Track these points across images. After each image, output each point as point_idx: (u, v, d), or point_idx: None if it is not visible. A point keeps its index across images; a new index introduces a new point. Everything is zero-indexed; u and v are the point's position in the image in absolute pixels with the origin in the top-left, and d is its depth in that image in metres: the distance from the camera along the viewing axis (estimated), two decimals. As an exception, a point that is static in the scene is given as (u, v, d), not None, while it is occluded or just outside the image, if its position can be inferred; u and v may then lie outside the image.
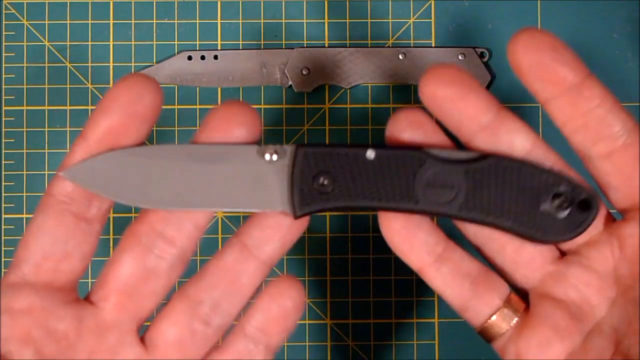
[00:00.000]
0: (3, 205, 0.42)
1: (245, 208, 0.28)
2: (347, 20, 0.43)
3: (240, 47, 0.43)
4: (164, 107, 0.43)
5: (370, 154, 0.28)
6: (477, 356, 0.42)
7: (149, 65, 0.43)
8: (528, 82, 0.27)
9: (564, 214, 0.27)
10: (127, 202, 0.28)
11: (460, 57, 0.42)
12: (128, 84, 0.26)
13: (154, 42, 0.43)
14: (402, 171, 0.28)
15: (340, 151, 0.28)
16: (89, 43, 0.43)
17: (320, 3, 0.43)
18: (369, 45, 0.43)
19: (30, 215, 0.42)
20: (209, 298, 0.28)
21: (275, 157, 0.28)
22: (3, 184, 0.42)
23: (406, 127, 0.28)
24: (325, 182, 0.28)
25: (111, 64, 0.43)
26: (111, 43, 0.43)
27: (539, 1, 0.43)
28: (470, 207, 0.28)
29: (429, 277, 0.28)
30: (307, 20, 0.43)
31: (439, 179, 0.28)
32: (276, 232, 0.28)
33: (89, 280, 0.32)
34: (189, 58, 0.43)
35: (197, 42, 0.43)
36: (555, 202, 0.27)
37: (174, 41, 0.43)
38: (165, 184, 0.28)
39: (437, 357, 0.42)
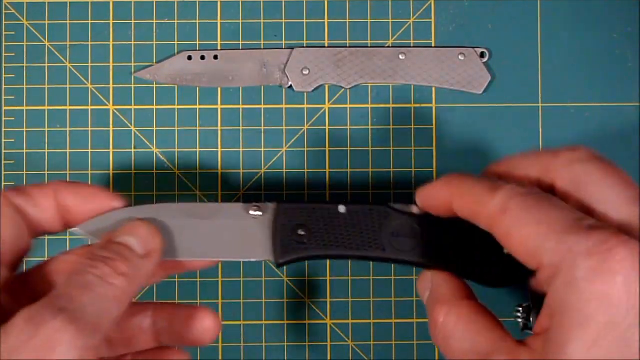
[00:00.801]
0: (3, 205, 0.42)
1: (233, 258, 0.32)
2: (347, 20, 0.43)
3: (240, 47, 0.43)
4: (164, 106, 0.44)
5: (342, 208, 0.32)
6: (477, 356, 0.42)
7: (149, 65, 0.43)
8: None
9: (504, 259, 0.29)
10: None
11: (460, 57, 0.42)
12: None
13: (154, 42, 0.43)
14: (370, 223, 0.31)
15: (316, 207, 0.32)
16: (89, 43, 0.43)
17: (320, 3, 0.43)
18: (369, 45, 0.43)
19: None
20: None
21: (259, 213, 0.32)
22: (3, 184, 0.42)
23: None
24: (303, 233, 0.32)
25: (111, 64, 0.43)
26: (111, 43, 0.43)
27: (539, 1, 0.43)
28: (430, 254, 0.31)
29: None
30: (307, 20, 0.43)
31: (401, 230, 0.31)
32: None
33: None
34: (189, 58, 0.43)
35: (197, 42, 0.43)
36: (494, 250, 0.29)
37: (174, 41, 0.43)
38: (166, 238, 0.31)
39: (437, 357, 0.42)
